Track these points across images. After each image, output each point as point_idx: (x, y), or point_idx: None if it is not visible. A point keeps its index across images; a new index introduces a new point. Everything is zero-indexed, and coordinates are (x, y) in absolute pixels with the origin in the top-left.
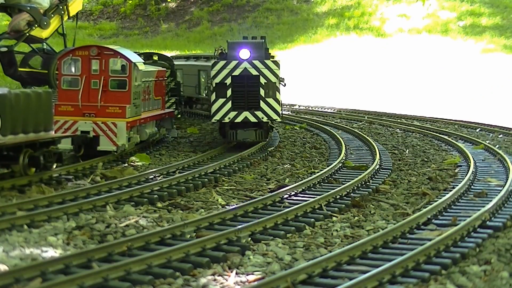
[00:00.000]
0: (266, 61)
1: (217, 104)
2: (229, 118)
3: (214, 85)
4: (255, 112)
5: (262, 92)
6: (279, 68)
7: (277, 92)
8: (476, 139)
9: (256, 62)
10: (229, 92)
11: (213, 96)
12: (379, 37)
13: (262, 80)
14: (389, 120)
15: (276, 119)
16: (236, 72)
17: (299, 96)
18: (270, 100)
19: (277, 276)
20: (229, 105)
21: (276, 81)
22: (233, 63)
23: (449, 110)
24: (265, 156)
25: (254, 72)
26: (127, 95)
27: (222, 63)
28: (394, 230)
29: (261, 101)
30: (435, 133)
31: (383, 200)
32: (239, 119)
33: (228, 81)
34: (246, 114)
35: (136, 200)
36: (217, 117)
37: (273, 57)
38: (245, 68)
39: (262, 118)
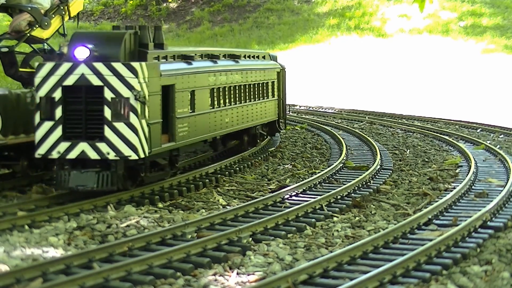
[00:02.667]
0: (115, 64)
1: (42, 130)
2: (58, 152)
3: (38, 100)
4: (97, 144)
5: (107, 113)
6: (142, 75)
7: (137, 112)
8: (477, 140)
9: (99, 66)
10: (58, 112)
11: (37, 118)
12: (380, 37)
13: (108, 94)
14: (390, 121)
15: (131, 156)
16: (69, 81)
17: (300, 96)
18: (121, 126)
19: (278, 276)
20: (58, 132)
21: (131, 96)
22: (65, 66)
23: (450, 110)
24: (266, 156)
25: (96, 82)
26: None
27: (49, 66)
28: (395, 230)
29: (106, 127)
30: (436, 134)
31: (384, 201)
32: (72, 155)
33: (58, 94)
34: (83, 146)
35: (137, 200)
36: (42, 150)
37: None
38: (83, 74)
39: (108, 154)
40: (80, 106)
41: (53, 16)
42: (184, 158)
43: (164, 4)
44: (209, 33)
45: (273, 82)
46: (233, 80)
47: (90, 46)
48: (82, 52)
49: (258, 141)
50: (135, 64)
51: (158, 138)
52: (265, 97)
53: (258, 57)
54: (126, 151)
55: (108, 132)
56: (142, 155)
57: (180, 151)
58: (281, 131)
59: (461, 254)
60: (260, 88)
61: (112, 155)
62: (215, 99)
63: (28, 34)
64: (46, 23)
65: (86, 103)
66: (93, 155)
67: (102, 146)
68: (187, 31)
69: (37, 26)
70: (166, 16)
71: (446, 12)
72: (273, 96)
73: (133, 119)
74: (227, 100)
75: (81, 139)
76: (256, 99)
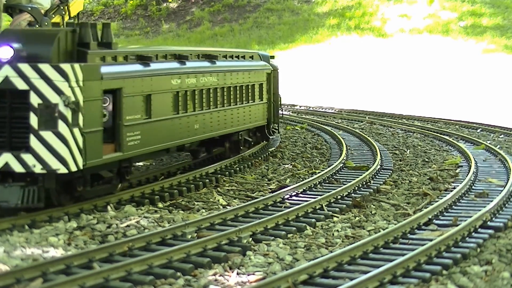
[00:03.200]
0: (42, 65)
1: None
2: None
3: None
4: (22, 155)
5: (33, 120)
6: (74, 79)
7: (67, 120)
8: (477, 140)
9: (25, 67)
10: None
11: None
12: (380, 37)
13: (34, 100)
14: (390, 121)
15: (60, 170)
16: None
17: (300, 96)
18: (49, 136)
19: (278, 276)
20: None
21: (60, 102)
22: None
23: (450, 110)
24: (266, 156)
25: (21, 85)
26: None
27: None
28: (395, 231)
29: (32, 136)
30: (436, 134)
31: (384, 201)
32: None
33: None
34: (7, 158)
35: (137, 200)
36: None
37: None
38: (6, 77)
39: (34, 166)
40: (4, 113)
41: (53, 16)
42: (155, 168)
43: (164, 4)
44: (209, 33)
45: (261, 85)
46: (206, 82)
47: (16, 45)
48: (6, 52)
49: (242, 148)
50: (65, 66)
51: (98, 149)
52: (251, 101)
53: (243, 57)
54: (54, 163)
55: (34, 142)
56: (73, 168)
57: (133, 162)
58: (271, 137)
59: (461, 254)
60: (244, 91)
61: (38, 168)
62: (181, 104)
63: None
64: (46, 23)
65: (10, 109)
66: (17, 167)
67: (28, 158)
68: (187, 31)
69: (37, 26)
70: (166, 16)
71: (446, 12)
72: (261, 100)
73: (62, 128)
74: (197, 105)
75: (4, 149)
76: (238, 103)
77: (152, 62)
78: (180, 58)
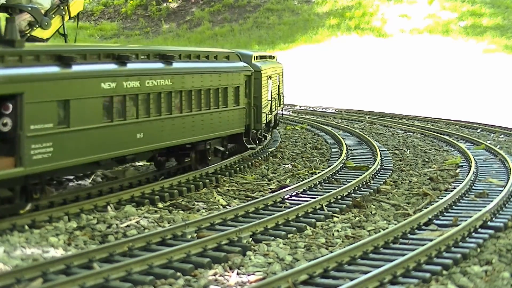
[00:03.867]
0: None
1: None
2: None
3: None
4: None
5: None
6: None
7: None
8: (477, 140)
9: None
10: None
11: None
12: (380, 38)
13: None
14: (390, 121)
15: None
16: None
17: (300, 96)
18: None
19: (278, 277)
20: None
21: None
22: None
23: (450, 110)
24: (266, 156)
25: None
26: None
27: None
28: (395, 231)
29: None
30: (436, 134)
31: (384, 201)
32: None
33: None
34: None
35: (137, 200)
36: None
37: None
38: None
39: None
40: None
41: (53, 16)
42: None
43: (164, 4)
44: (209, 33)
45: (237, 88)
46: (155, 86)
47: None
48: None
49: (210, 158)
50: None
51: None
52: (222, 106)
53: (216, 57)
54: None
55: None
56: None
57: (47, 177)
58: (252, 146)
59: (461, 254)
60: (211, 95)
61: None
62: (117, 110)
63: (29, 34)
64: (47, 23)
65: None
66: None
67: None
68: (187, 31)
69: (37, 26)
70: (166, 16)
71: (446, 12)
72: (237, 104)
73: None
74: (142, 112)
75: None
76: (203, 108)
77: (76, 63)
78: (119, 58)
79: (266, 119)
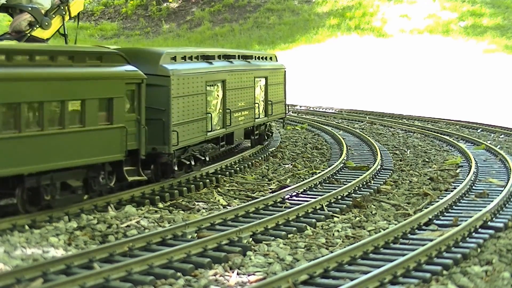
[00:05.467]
0: None
1: None
2: None
3: None
4: None
5: None
6: None
7: None
8: (478, 140)
9: None
10: None
11: None
12: (380, 38)
13: None
14: (390, 121)
15: None
16: None
17: (300, 96)
18: None
19: (278, 277)
20: None
21: None
22: None
23: (451, 110)
24: (266, 156)
25: None
26: None
27: None
28: (396, 231)
29: None
30: (436, 134)
31: (384, 201)
32: None
33: None
34: None
35: (137, 200)
36: None
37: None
38: None
39: None
40: None
41: (54, 16)
42: None
43: (165, 4)
44: (209, 33)
45: (110, 100)
46: None
47: None
48: None
49: (47, 198)
50: None
51: None
52: (70, 126)
53: (72, 58)
54: None
55: None
56: None
57: None
58: (133, 179)
59: (461, 254)
60: (45, 111)
61: None
62: None
63: (29, 35)
64: (47, 23)
65: None
66: None
67: None
68: (188, 31)
69: (37, 26)
70: (166, 16)
71: (446, 12)
72: (111, 123)
73: None
74: None
75: None
76: (34, 129)
77: None
78: None
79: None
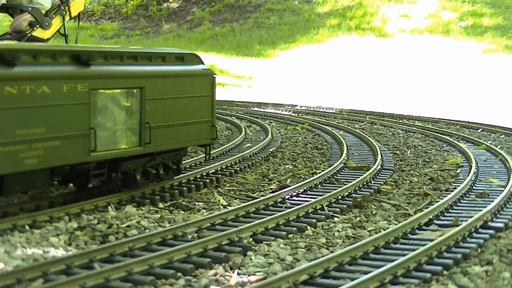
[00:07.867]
0: None
1: None
2: None
3: None
4: None
5: None
6: None
7: None
8: (478, 140)
9: None
10: None
11: None
12: (381, 38)
13: None
14: (390, 121)
15: None
16: None
17: (300, 96)
18: None
19: (278, 277)
20: None
21: None
22: None
23: (451, 110)
24: (266, 156)
25: None
26: None
27: None
28: (396, 231)
29: None
30: (436, 134)
31: (384, 201)
32: None
33: None
34: None
35: (137, 200)
36: None
37: None
38: None
39: None
40: None
41: (54, 16)
42: None
43: (165, 4)
44: (209, 33)
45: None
46: None
47: None
48: None
49: None
50: None
51: None
52: None
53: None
54: None
55: None
56: None
57: None
58: None
59: (462, 255)
60: None
61: None
62: None
63: (29, 35)
64: (47, 24)
65: None
66: None
67: None
68: (188, 31)
69: (38, 26)
70: (166, 16)
71: (446, 12)
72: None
73: None
74: None
75: None
76: None
77: None
78: None
79: None
